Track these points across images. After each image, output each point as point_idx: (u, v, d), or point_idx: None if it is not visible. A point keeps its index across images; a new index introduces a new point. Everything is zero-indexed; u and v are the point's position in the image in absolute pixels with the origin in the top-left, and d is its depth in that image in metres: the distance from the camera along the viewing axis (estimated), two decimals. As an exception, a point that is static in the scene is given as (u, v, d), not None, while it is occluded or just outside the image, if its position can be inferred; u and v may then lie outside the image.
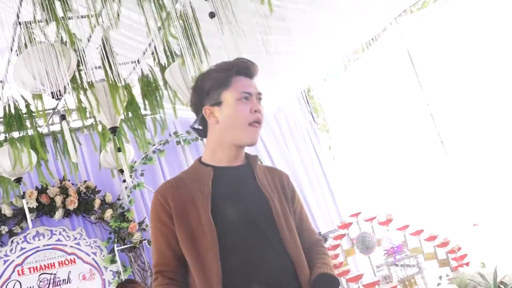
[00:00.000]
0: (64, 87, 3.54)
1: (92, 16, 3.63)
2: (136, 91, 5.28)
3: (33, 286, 6.13)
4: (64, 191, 6.34)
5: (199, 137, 6.98)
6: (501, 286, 3.14)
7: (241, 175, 2.30)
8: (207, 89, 2.26)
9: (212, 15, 3.43)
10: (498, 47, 5.09)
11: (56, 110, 5.76)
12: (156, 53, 4.61)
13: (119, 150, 4.93)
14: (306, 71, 6.21)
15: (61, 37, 3.79)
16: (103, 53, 4.30)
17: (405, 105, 6.03)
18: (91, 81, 4.28)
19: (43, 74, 3.47)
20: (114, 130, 4.57)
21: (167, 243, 2.18)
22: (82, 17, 3.69)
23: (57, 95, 3.62)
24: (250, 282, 2.13)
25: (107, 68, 4.31)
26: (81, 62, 4.05)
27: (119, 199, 6.59)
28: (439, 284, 3.54)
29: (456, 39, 5.46)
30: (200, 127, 2.34)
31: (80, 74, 4.27)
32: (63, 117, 4.11)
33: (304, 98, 7.71)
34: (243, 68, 2.27)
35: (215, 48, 4.32)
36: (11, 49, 4.46)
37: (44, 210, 6.28)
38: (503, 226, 5.00)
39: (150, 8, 3.71)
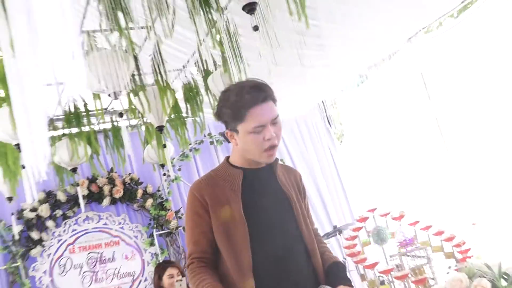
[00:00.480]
0: (124, 87, 3.59)
1: (150, 27, 3.67)
2: (179, 96, 5.33)
3: (82, 263, 6.22)
4: (111, 181, 6.42)
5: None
6: (504, 276, 3.14)
7: (265, 175, 2.35)
8: (225, 119, 2.25)
9: (256, 28, 3.46)
10: (495, 64, 5.10)
11: (107, 109, 5.83)
12: (201, 61, 4.64)
13: (164, 146, 4.97)
14: (330, 84, 6.23)
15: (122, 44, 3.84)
16: (154, 60, 4.37)
17: (414, 115, 6.04)
18: (144, 85, 4.34)
19: (107, 76, 3.53)
20: (161, 128, 4.62)
21: (204, 234, 2.24)
22: (141, 27, 3.76)
23: (116, 95, 3.67)
24: (276, 268, 2.20)
25: (157, 74, 4.38)
26: (136, 68, 4.12)
27: (158, 190, 6.66)
28: (448, 273, 3.54)
29: (463, 58, 5.47)
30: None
31: (134, 78, 4.33)
32: (120, 115, 4.16)
33: (322, 105, 7.75)
34: (255, 100, 2.16)
35: (254, 60, 4.36)
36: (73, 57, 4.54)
37: (94, 197, 6.36)
38: (501, 225, 5.01)
39: (200, 20, 3.74)
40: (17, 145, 3.98)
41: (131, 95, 4.62)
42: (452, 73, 5.53)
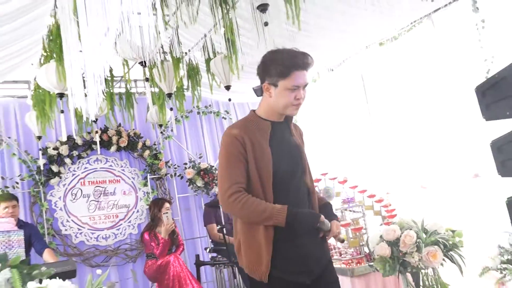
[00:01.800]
0: (153, 58, 3.37)
1: (175, 13, 3.46)
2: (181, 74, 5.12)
3: (89, 194, 5.95)
4: (119, 133, 6.14)
5: (212, 112, 6.88)
6: (425, 230, 3.17)
7: (285, 128, 2.25)
8: (271, 73, 2.12)
9: (266, 24, 3.30)
10: (421, 78, 5.17)
11: (122, 78, 5.54)
12: (207, 47, 4.45)
13: (171, 109, 4.77)
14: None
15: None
16: (172, 40, 4.15)
17: (354, 114, 6.03)
18: (163, 60, 4.13)
19: (139, 49, 3.31)
20: (170, 95, 4.43)
21: (244, 167, 2.09)
22: (167, 15, 3.54)
23: (145, 64, 3.45)
24: (288, 194, 2.12)
25: (174, 51, 4.17)
26: (161, 45, 3.90)
27: (154, 144, 6.42)
28: (381, 224, 3.54)
29: (396, 72, 5.50)
30: (259, 88, 2.26)
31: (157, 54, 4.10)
32: (147, 79, 3.91)
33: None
34: (301, 65, 2.10)
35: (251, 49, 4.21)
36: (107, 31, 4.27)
37: (104, 144, 6.07)
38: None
39: (217, 13, 3.55)
40: (60, 94, 3.69)
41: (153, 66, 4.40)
42: (386, 83, 5.55)
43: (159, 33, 3.56)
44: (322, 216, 2.12)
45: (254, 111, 2.26)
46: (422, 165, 5.17)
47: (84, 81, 2.65)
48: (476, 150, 4.67)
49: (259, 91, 2.27)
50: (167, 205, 5.00)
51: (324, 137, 6.22)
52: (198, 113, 6.84)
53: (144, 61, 3.43)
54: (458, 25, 4.43)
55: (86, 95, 2.47)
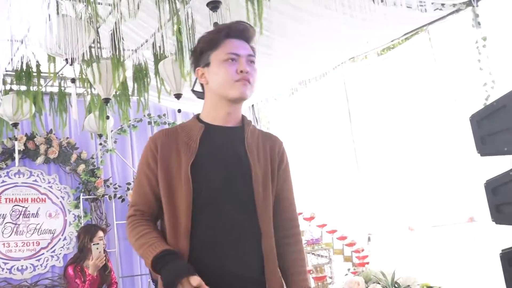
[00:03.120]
0: (82, 55, 3.35)
1: (116, 5, 3.45)
2: (128, 75, 5.10)
3: (5, 214, 5.82)
4: (48, 142, 6.05)
5: (166, 123, 6.86)
6: (396, 285, 3.18)
7: (231, 136, 1.90)
8: (199, 50, 1.92)
9: (215, 24, 3.34)
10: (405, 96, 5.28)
11: (58, 74, 5.49)
12: (155, 46, 4.44)
13: (107, 117, 4.73)
14: (266, 90, 6.20)
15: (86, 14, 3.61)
16: (114, 36, 4.13)
17: (335, 128, 6.08)
18: (99, 57, 4.10)
19: (66, 42, 3.28)
20: (107, 100, 4.39)
21: (151, 186, 1.85)
22: (109, 5, 3.54)
23: (71, 62, 3.42)
24: (216, 241, 1.78)
25: (115, 49, 4.15)
26: (96, 40, 3.87)
27: (92, 158, 6.35)
28: (346, 274, 3.54)
29: (380, 87, 5.60)
30: (201, 91, 1.98)
31: (90, 50, 4.08)
32: (73, 81, 3.85)
33: (250, 109, 7.67)
34: (235, 31, 1.89)
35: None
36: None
37: (29, 154, 5.97)
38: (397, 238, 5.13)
39: (164, 8, 3.56)
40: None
41: (85, 64, 4.38)
42: (372, 98, 5.63)
43: (93, 24, 3.58)
44: (196, 279, 1.65)
45: (198, 114, 1.99)
46: (411, 204, 5.22)
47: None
48: (472, 189, 4.72)
49: (200, 93, 2.00)
50: (100, 233, 4.89)
51: (296, 161, 6.25)
52: (150, 123, 6.80)
53: (71, 58, 3.40)
54: (456, 41, 4.53)
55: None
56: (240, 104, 1.94)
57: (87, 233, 4.98)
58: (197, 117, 1.95)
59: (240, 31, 1.90)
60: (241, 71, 1.84)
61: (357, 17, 3.50)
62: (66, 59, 3.36)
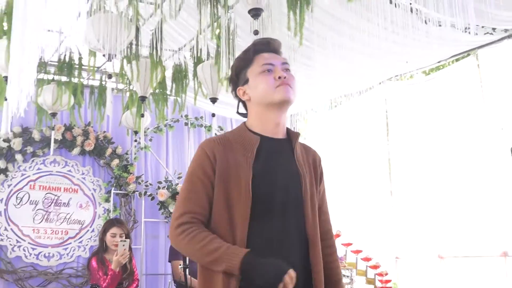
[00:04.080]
0: (120, 52, 3.39)
1: (158, 5, 3.48)
2: (168, 75, 5.15)
3: (38, 201, 5.96)
4: (86, 134, 6.17)
5: (203, 125, 6.89)
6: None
7: (282, 148, 1.97)
8: (236, 73, 2.02)
9: (256, 32, 3.31)
10: (450, 119, 5.16)
11: (99, 68, 5.59)
12: (197, 49, 4.46)
13: (142, 115, 4.77)
14: (305, 101, 6.15)
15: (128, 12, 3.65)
16: (154, 35, 4.18)
17: (372, 146, 5.99)
18: (139, 55, 4.14)
19: (106, 38, 3.32)
20: (143, 98, 4.43)
21: (206, 194, 1.87)
22: (150, 3, 3.57)
23: (110, 57, 3.47)
24: (269, 250, 1.81)
25: (154, 48, 4.19)
26: (136, 38, 3.92)
27: (126, 154, 6.43)
28: (366, 298, 3.44)
29: (424, 109, 5.49)
30: (245, 112, 2.05)
31: (131, 47, 4.13)
32: (109, 76, 3.91)
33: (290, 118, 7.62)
34: (261, 45, 1.99)
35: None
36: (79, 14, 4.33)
37: (66, 144, 6.11)
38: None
39: (205, 11, 3.56)
40: (6, 77, 3.73)
41: (125, 61, 4.44)
42: (413, 119, 5.51)
43: (132, 21, 3.62)
44: (292, 272, 1.72)
45: (244, 123, 2.03)
46: (442, 232, 5.08)
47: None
48: (508, 223, 4.56)
49: (245, 114, 2.07)
50: (114, 229, 4.89)
51: (328, 176, 6.18)
52: (186, 124, 6.84)
53: (110, 55, 3.45)
54: (505, 67, 4.38)
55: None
56: (285, 113, 2.00)
57: (104, 226, 5.02)
58: (246, 125, 2.00)
59: (265, 45, 2.00)
60: (279, 77, 1.91)
61: (399, 34, 3.41)
62: (104, 54, 3.39)
